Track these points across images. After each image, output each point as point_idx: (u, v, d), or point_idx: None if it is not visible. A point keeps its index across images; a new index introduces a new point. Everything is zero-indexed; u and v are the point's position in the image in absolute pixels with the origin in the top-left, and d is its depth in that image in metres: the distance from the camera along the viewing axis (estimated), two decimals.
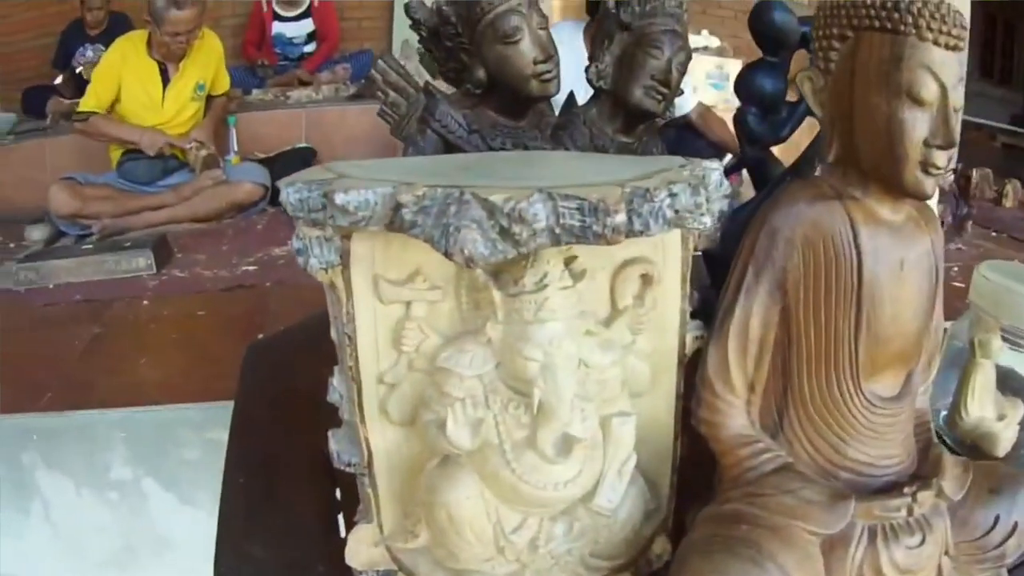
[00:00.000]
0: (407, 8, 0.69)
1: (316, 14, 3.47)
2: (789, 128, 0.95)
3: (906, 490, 0.57)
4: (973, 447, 0.81)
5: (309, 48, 3.48)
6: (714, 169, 0.53)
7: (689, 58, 0.76)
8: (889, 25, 0.53)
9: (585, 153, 0.72)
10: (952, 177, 1.90)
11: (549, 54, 0.68)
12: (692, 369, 0.61)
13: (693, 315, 0.61)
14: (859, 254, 0.56)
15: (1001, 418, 0.79)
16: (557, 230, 0.44)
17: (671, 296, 0.58)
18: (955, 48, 0.54)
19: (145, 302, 1.91)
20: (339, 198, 0.44)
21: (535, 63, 0.68)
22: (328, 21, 3.53)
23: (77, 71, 3.00)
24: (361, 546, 0.58)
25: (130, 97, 2.46)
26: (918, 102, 0.53)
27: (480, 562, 0.55)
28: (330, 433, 0.57)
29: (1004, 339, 0.78)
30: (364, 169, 0.50)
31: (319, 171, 0.49)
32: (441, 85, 0.82)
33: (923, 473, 0.62)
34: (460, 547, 0.54)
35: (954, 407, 0.82)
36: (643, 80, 0.73)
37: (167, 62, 2.47)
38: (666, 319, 0.59)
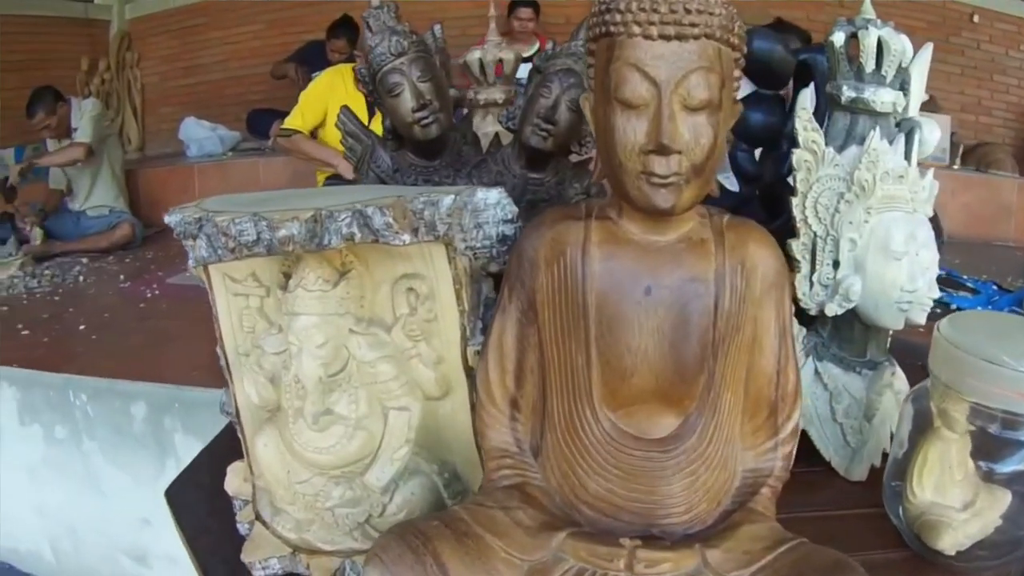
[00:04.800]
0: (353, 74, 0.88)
1: None
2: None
3: (624, 541, 0.52)
4: (918, 537, 0.60)
5: None
6: (447, 196, 0.59)
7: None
8: (604, 29, 0.51)
9: (381, 186, 0.79)
10: None
11: (424, 103, 0.79)
12: None
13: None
14: (584, 274, 0.54)
15: (967, 507, 0.57)
16: (266, 241, 0.58)
17: (448, 311, 0.64)
18: (678, 37, 0.47)
19: None
20: (167, 218, 0.66)
21: (413, 111, 0.79)
22: None
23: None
24: (235, 478, 0.78)
25: (335, 126, 2.89)
26: (627, 104, 0.49)
27: (286, 504, 0.70)
28: (222, 390, 0.79)
29: (978, 423, 0.56)
30: (214, 202, 0.70)
31: (190, 205, 0.72)
32: None
33: (709, 534, 0.54)
34: (271, 487, 0.70)
35: (904, 486, 0.62)
36: (531, 119, 0.78)
37: None
38: (448, 331, 0.65)
